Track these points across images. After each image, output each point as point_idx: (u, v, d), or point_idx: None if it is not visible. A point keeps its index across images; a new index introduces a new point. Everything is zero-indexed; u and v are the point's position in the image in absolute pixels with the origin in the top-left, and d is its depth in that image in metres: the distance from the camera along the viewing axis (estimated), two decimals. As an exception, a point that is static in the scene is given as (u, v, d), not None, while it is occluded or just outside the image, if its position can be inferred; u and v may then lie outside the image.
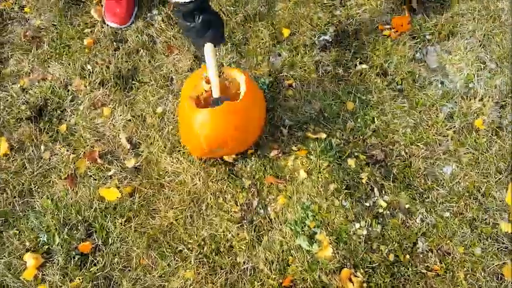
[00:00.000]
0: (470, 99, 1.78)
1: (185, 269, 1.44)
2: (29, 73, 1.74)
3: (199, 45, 1.40)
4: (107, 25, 1.83)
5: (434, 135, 1.71)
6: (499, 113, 1.76)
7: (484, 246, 1.52)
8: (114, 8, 1.79)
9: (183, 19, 1.34)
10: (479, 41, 1.91)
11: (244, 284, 1.44)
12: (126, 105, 1.70)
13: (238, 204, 1.57)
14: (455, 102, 1.78)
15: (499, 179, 1.63)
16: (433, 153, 1.68)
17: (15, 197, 1.52)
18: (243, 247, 1.49)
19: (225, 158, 1.63)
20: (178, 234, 1.50)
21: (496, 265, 1.49)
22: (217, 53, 1.82)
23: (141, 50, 1.81)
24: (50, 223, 1.47)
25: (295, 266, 1.47)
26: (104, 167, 1.58)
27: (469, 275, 1.48)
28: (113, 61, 1.76)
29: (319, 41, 1.91)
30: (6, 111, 1.66)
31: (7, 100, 1.68)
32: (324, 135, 1.69)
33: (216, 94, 1.44)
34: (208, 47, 1.38)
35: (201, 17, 1.32)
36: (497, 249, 1.52)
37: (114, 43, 1.81)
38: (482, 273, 1.48)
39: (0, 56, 1.77)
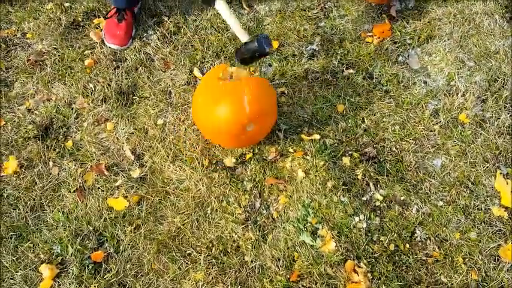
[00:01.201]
0: (453, 96, 1.89)
1: (196, 271, 1.49)
2: (34, 94, 1.82)
3: (209, 4, 1.49)
4: (108, 46, 1.92)
5: (422, 131, 1.80)
6: (481, 106, 1.87)
7: (479, 231, 1.60)
8: (114, 30, 1.89)
9: None
10: (457, 42, 2.04)
11: (253, 281, 1.49)
12: (128, 119, 1.77)
13: (242, 206, 1.63)
14: (439, 99, 1.89)
15: (487, 167, 1.72)
16: (422, 147, 1.77)
17: (27, 212, 1.56)
18: (249, 246, 1.55)
19: (226, 163, 1.70)
20: (186, 238, 1.55)
21: (492, 247, 1.56)
22: (211, 66, 1.92)
23: (140, 67, 1.90)
24: (63, 235, 1.52)
25: (301, 261, 1.53)
26: (110, 179, 1.64)
27: (467, 259, 1.55)
28: (113, 79, 1.85)
29: (307, 50, 2.01)
30: (14, 131, 1.73)
31: (14, 121, 1.75)
32: (318, 137, 1.78)
33: (244, 38, 1.53)
34: (219, 4, 1.48)
35: None
36: (492, 232, 1.60)
37: (114, 62, 1.90)
38: (480, 256, 1.55)
39: (5, 80, 1.85)
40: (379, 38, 2.06)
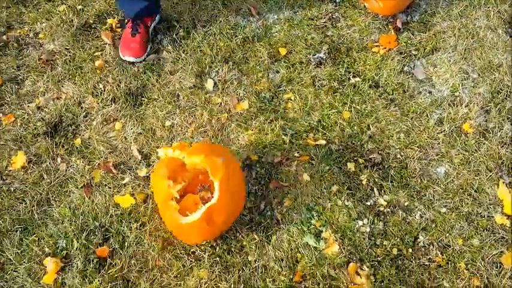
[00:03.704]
0: (457, 106, 1.92)
1: (199, 269, 1.50)
2: (44, 93, 1.85)
3: None
4: (123, 60, 1.94)
5: (426, 139, 1.83)
6: (485, 117, 1.89)
7: (482, 238, 1.61)
8: (128, 42, 1.92)
9: None
10: (461, 54, 2.07)
11: (256, 281, 1.50)
12: (137, 120, 1.80)
13: (247, 208, 1.64)
14: (444, 108, 1.91)
15: (490, 176, 1.74)
16: (426, 155, 1.79)
17: (33, 206, 1.58)
18: (253, 247, 1.55)
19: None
20: (190, 237, 1.56)
21: (494, 254, 1.57)
22: (219, 71, 1.95)
23: (148, 71, 1.94)
24: (68, 229, 1.53)
25: (304, 262, 1.53)
26: (118, 176, 1.65)
27: (469, 265, 1.55)
28: (122, 80, 1.88)
29: (314, 58, 2.05)
30: (23, 127, 1.75)
31: (24, 118, 1.78)
32: (323, 142, 1.80)
33: None
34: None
35: None
36: (494, 240, 1.60)
37: (123, 64, 1.93)
38: (482, 262, 1.55)
39: (16, 78, 1.88)
40: (385, 48, 2.10)
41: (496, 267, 1.55)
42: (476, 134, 1.84)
